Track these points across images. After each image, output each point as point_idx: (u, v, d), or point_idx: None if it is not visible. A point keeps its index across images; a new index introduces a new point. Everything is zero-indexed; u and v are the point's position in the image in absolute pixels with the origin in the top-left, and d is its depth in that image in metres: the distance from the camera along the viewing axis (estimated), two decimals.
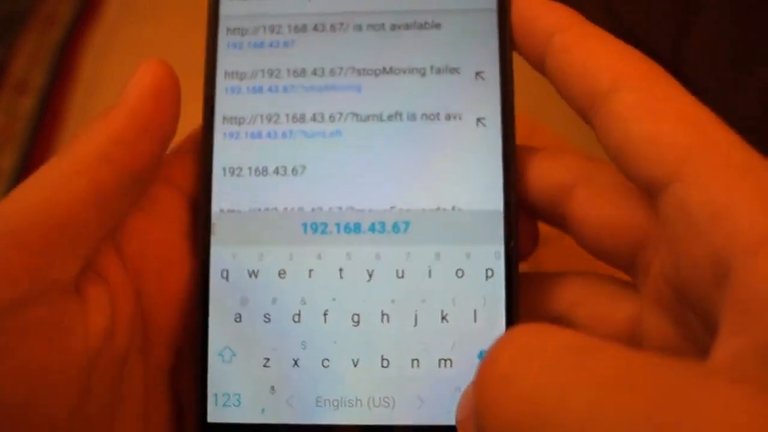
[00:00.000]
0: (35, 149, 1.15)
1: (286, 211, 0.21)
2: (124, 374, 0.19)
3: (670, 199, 0.17)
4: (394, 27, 0.21)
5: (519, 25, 0.20)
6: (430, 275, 0.21)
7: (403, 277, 0.21)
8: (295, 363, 0.21)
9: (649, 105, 0.18)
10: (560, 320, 0.21)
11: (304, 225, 0.21)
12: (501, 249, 0.21)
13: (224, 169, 0.21)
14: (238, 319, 0.21)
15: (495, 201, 0.21)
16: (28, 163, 1.11)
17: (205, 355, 0.21)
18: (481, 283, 0.20)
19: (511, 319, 0.20)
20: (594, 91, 0.18)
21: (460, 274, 0.21)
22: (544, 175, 0.21)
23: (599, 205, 0.20)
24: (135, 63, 1.13)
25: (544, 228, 0.59)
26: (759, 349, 0.13)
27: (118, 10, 1.52)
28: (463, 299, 0.20)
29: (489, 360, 0.14)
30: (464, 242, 0.21)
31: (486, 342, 0.20)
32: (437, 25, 0.21)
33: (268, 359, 0.20)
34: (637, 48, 0.90)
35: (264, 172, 0.21)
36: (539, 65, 0.20)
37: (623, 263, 0.20)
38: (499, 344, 0.14)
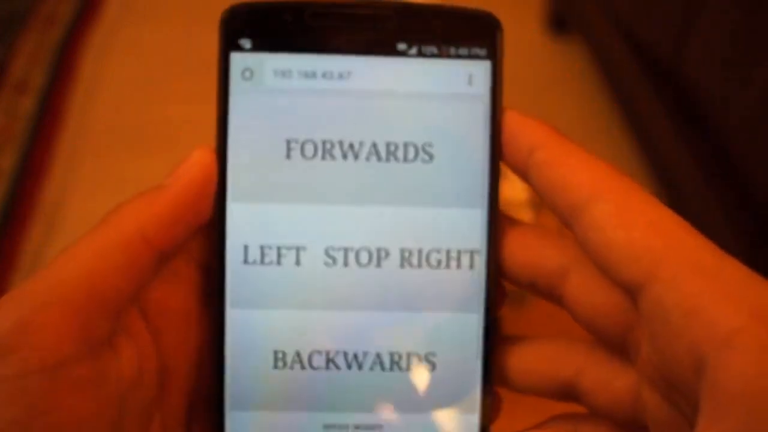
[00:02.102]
0: (35, 149, 1.15)
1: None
2: (147, 420, 0.21)
3: (648, 299, 0.19)
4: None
5: (506, 139, 0.22)
6: None
7: None
8: None
9: (623, 214, 0.19)
10: (567, 384, 0.22)
11: None
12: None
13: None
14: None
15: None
16: (28, 162, 1.11)
17: (222, 406, 0.22)
18: None
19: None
20: (573, 204, 0.20)
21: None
22: (540, 256, 0.22)
23: (591, 291, 0.21)
24: (135, 63, 1.12)
25: (543, 227, 0.60)
26: None
27: (117, 10, 1.52)
28: None
29: None
30: None
31: None
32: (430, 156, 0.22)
33: None
34: (637, 48, 0.90)
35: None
36: (523, 176, 0.22)
37: (616, 342, 0.21)
38: None
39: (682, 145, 0.90)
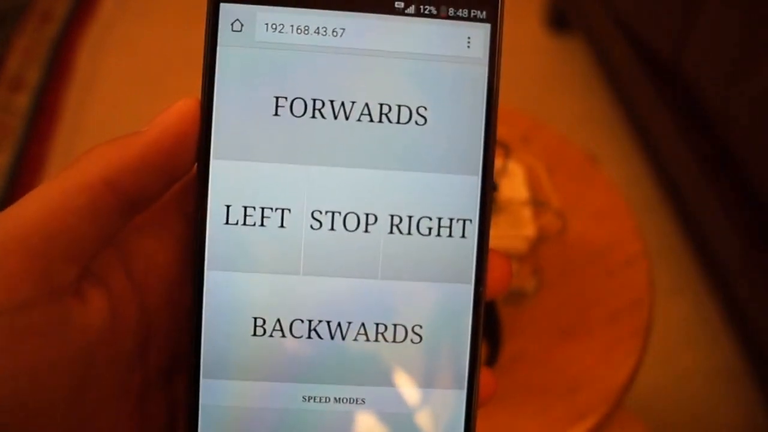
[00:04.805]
0: (30, 145, 1.14)
1: None
2: (125, 373, 0.20)
3: None
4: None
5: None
6: None
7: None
8: None
9: None
10: None
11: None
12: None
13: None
14: None
15: None
16: (23, 158, 1.11)
17: (197, 373, 0.21)
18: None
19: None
20: None
21: None
22: None
23: None
24: (130, 60, 1.11)
25: (543, 226, 0.59)
26: None
27: (113, 7, 1.51)
28: None
29: None
30: None
31: None
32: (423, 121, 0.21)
33: None
34: (637, 46, 0.89)
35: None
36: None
37: None
38: None
39: (682, 143, 0.90)
